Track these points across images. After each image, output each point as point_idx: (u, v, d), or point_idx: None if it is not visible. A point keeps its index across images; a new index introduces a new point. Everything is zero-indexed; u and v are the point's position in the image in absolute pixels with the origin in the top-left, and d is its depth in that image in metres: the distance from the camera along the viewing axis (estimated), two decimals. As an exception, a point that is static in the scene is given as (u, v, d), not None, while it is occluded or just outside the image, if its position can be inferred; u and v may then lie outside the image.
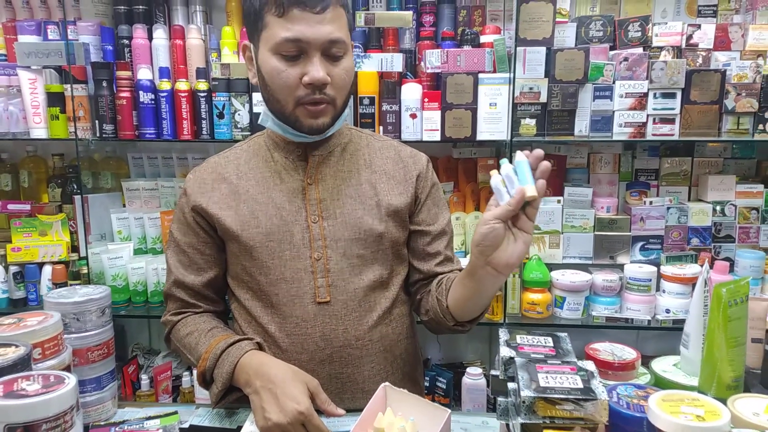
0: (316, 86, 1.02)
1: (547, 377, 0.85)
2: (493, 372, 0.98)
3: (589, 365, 0.90)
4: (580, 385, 0.83)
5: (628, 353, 1.04)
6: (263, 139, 1.19)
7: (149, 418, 1.09)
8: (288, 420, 0.93)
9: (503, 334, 1.03)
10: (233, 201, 1.13)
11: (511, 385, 0.91)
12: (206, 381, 1.08)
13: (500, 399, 0.96)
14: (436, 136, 1.93)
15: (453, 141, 1.98)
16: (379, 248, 1.14)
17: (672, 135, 1.93)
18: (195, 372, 1.13)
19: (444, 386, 2.14)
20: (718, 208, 2.07)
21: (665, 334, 2.27)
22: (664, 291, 2.03)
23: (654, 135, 1.93)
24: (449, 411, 0.96)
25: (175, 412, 1.12)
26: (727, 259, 2.08)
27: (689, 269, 2.00)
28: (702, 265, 2.03)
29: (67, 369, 0.98)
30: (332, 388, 1.13)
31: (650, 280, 2.01)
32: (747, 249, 2.06)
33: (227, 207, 1.12)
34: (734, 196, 2.07)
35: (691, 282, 1.99)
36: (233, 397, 1.07)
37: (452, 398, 2.18)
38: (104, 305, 1.11)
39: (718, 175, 2.09)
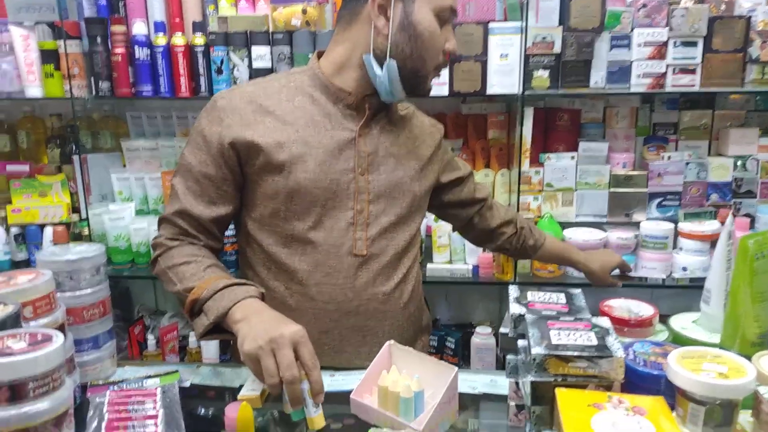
0: (451, 55, 1.12)
1: (559, 334, 0.81)
2: (502, 329, 0.94)
3: (604, 322, 0.86)
4: (595, 342, 0.79)
5: (644, 309, 1.00)
6: (306, 78, 1.13)
7: (149, 377, 1.07)
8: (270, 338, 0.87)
9: (513, 291, 0.99)
10: (281, 138, 1.07)
11: (521, 343, 0.88)
12: (193, 312, 1.01)
13: (509, 357, 0.92)
14: (444, 91, 1.86)
15: (462, 95, 1.91)
16: (411, 209, 1.17)
17: (693, 86, 1.85)
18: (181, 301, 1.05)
19: (453, 346, 2.12)
20: (739, 162, 1.99)
21: (681, 293, 2.23)
22: (681, 248, 1.97)
23: (674, 86, 1.85)
24: (456, 369, 0.93)
25: (176, 371, 1.10)
26: (747, 215, 2.01)
27: (708, 226, 1.94)
28: (722, 222, 1.98)
29: (61, 328, 0.96)
30: (353, 339, 1.13)
31: (667, 238, 1.95)
32: (769, 205, 1.99)
33: (276, 144, 1.06)
34: (756, 150, 1.99)
35: (709, 239, 1.94)
36: (218, 338, 1.03)
37: (461, 358, 2.16)
38: (98, 263, 1.07)
39: (739, 129, 2.01)
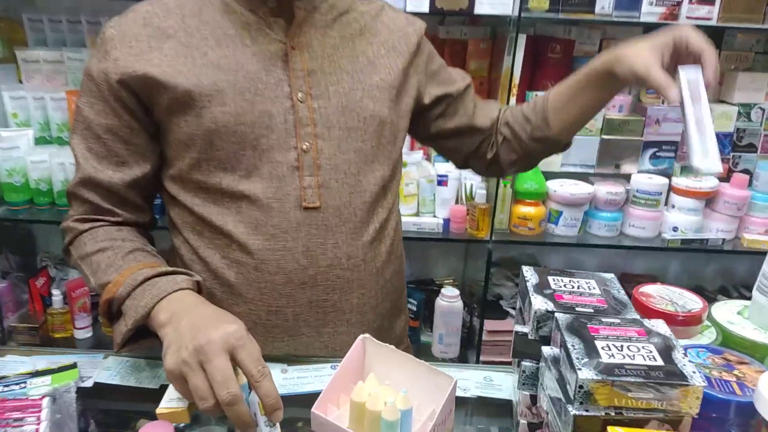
0: None
1: (609, 347, 0.62)
2: (518, 328, 0.74)
3: (661, 326, 0.67)
4: (659, 361, 0.60)
5: (690, 301, 0.82)
6: None
7: (36, 374, 0.83)
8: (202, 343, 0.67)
9: (530, 275, 0.78)
10: (184, 66, 0.84)
11: (547, 351, 0.68)
12: (111, 314, 0.83)
13: (525, 363, 0.73)
14: (424, 6, 1.61)
15: (444, 14, 1.65)
16: (381, 141, 0.93)
17: (709, 19, 1.66)
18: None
19: (415, 308, 1.95)
20: (742, 111, 1.84)
21: (666, 255, 2.13)
22: (673, 206, 1.84)
23: (689, 17, 1.65)
24: (454, 379, 0.72)
25: (74, 365, 0.86)
26: (745, 171, 1.89)
27: (705, 182, 1.80)
28: (720, 179, 1.85)
29: None
30: (311, 318, 0.93)
31: (660, 194, 1.81)
32: (770, 161, 1.86)
33: (176, 73, 0.84)
34: (764, 98, 1.84)
35: (705, 197, 1.80)
36: (145, 344, 0.83)
37: (423, 321, 2.00)
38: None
39: (748, 73, 1.85)
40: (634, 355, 0.60)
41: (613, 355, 0.60)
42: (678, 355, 0.61)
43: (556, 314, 0.68)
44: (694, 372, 0.58)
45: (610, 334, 0.64)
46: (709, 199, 1.83)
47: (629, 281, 2.12)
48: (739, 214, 1.83)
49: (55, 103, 1.78)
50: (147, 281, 0.79)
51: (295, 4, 0.86)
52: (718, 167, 0.77)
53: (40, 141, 1.82)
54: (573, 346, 0.62)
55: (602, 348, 0.61)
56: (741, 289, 2.11)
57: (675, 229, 1.84)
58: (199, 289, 0.82)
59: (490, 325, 1.89)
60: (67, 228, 0.92)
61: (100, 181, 0.88)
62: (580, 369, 0.58)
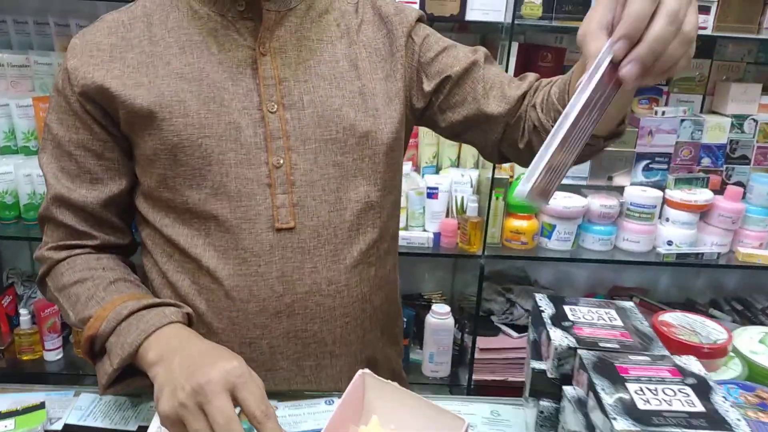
0: None
1: (642, 390, 0.56)
2: (534, 364, 0.69)
3: (694, 364, 0.62)
4: (699, 407, 0.55)
5: (714, 330, 0.78)
6: None
7: (-1, 416, 0.75)
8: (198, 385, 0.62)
9: (545, 305, 0.73)
10: (145, 76, 0.79)
11: (570, 392, 0.63)
12: (94, 352, 0.77)
13: (544, 403, 0.68)
14: (413, 12, 1.54)
15: (433, 19, 1.60)
16: (365, 154, 0.85)
17: (705, 28, 1.63)
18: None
19: (404, 325, 1.88)
20: (735, 122, 1.83)
21: (648, 267, 2.11)
22: (667, 219, 1.81)
23: (684, 26, 1.62)
24: (466, 422, 0.67)
25: (41, 405, 0.78)
26: (738, 183, 1.87)
27: (700, 195, 1.78)
28: (714, 191, 1.82)
29: None
30: (290, 351, 0.86)
31: (654, 207, 1.78)
32: (763, 173, 1.84)
33: (136, 85, 0.79)
34: (757, 109, 1.83)
35: (699, 210, 1.78)
36: (134, 384, 0.76)
37: (412, 338, 1.94)
38: None
39: (741, 83, 1.83)
40: (671, 400, 0.55)
41: (648, 400, 0.55)
42: (718, 398, 0.56)
43: (579, 351, 0.62)
44: (738, 420, 0.53)
45: (642, 375, 0.59)
46: (703, 213, 1.81)
47: (621, 295, 2.09)
48: (733, 227, 1.80)
49: (21, 111, 1.69)
50: (132, 315, 0.73)
51: (264, 6, 0.80)
52: (525, 190, 0.54)
53: (4, 150, 1.73)
54: (603, 389, 0.56)
55: (635, 392, 0.56)
56: (732, 303, 2.09)
57: (669, 242, 1.81)
58: (189, 321, 0.76)
59: (482, 342, 1.83)
60: (41, 257, 0.86)
61: (74, 201, 0.83)
62: (615, 419, 0.52)
